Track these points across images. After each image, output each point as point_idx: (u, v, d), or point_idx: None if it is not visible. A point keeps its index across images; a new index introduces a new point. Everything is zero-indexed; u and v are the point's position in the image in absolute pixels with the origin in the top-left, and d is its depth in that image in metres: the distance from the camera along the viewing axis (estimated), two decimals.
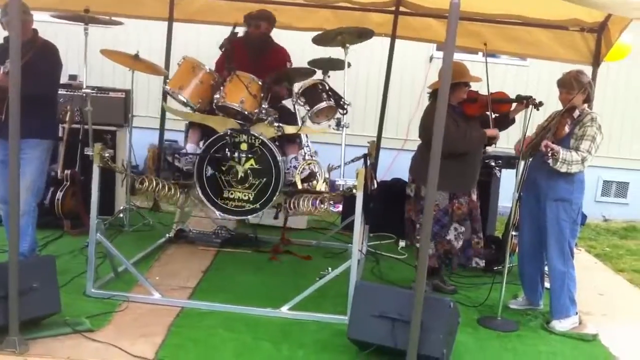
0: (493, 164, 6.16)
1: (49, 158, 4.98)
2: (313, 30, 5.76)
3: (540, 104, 4.58)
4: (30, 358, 3.55)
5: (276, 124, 4.70)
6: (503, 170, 6.22)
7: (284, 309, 4.38)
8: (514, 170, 4.65)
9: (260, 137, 4.69)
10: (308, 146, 4.87)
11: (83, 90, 5.68)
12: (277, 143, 4.85)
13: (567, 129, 4.43)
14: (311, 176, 4.80)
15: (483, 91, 4.89)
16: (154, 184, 4.87)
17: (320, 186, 4.75)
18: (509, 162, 6.11)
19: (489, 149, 5.51)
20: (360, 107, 7.83)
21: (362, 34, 4.85)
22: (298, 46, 5.60)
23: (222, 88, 4.70)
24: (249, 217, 5.05)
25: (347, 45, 4.77)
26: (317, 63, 4.89)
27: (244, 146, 4.71)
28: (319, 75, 4.88)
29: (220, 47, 4.90)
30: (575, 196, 4.48)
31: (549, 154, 4.29)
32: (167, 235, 5.98)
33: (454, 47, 3.29)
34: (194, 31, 7.49)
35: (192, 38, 7.64)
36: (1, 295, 3.57)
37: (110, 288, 4.61)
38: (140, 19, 6.82)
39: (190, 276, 5.05)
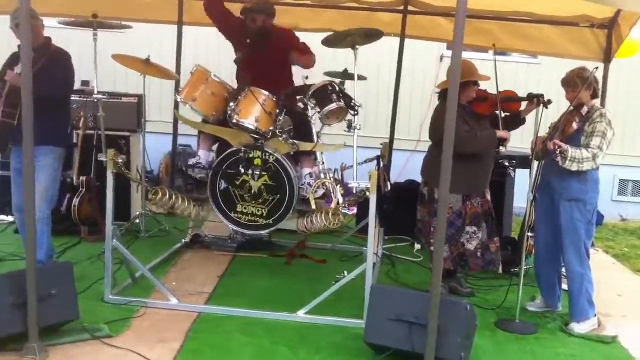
0: (507, 164, 6.13)
1: (62, 165, 4.98)
2: (321, 31, 5.76)
3: (549, 102, 4.57)
4: None
5: (291, 141, 4.65)
6: (517, 170, 6.19)
7: (301, 313, 4.39)
8: (528, 170, 4.64)
9: (275, 154, 4.66)
10: (323, 162, 4.84)
11: (95, 96, 5.68)
12: (292, 152, 4.80)
13: (575, 126, 4.41)
14: (325, 196, 4.74)
15: (493, 91, 4.88)
16: (167, 196, 4.81)
17: (334, 204, 4.63)
18: (523, 162, 6.09)
19: (502, 149, 5.49)
20: (372, 108, 7.82)
21: (372, 35, 4.83)
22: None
23: (236, 103, 4.63)
24: (262, 232, 4.96)
25: (357, 46, 4.74)
26: (332, 75, 4.92)
27: (257, 162, 4.67)
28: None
29: (235, 62, 4.95)
30: (589, 196, 4.44)
31: (558, 153, 4.27)
32: (183, 240, 6.00)
33: (462, 45, 3.28)
34: (203, 34, 7.50)
35: (202, 40, 7.66)
36: (20, 303, 3.60)
37: (128, 294, 4.64)
38: (149, 23, 6.83)
39: (207, 281, 5.07)
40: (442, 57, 8.33)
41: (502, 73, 4.79)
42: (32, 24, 4.03)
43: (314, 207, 4.56)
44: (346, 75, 5.00)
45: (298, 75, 5.27)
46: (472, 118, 4.80)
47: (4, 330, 3.58)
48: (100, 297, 4.50)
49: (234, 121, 4.61)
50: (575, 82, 4.44)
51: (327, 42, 4.90)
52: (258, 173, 4.67)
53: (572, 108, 4.45)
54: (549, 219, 4.61)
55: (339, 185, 4.62)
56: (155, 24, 6.89)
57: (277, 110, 4.67)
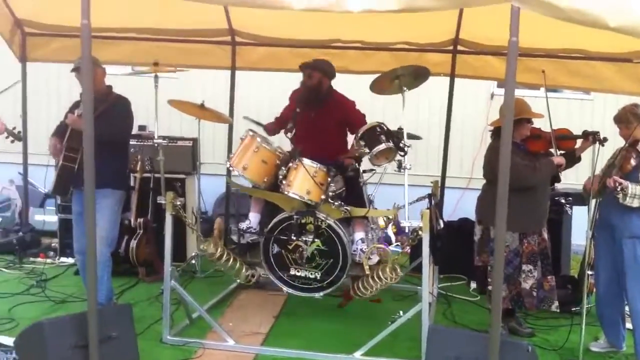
0: (563, 201, 6.03)
1: (121, 208, 5.06)
2: (370, 73, 5.74)
3: (605, 139, 4.54)
4: None
5: (344, 208, 4.67)
6: (574, 208, 6.08)
7: (357, 354, 4.36)
8: (585, 207, 4.56)
9: (327, 219, 4.68)
10: (376, 224, 4.82)
11: (155, 141, 5.84)
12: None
13: (633, 162, 4.35)
14: (380, 263, 4.71)
15: (547, 129, 4.83)
16: (218, 254, 4.77)
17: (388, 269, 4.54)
18: (579, 199, 5.96)
19: (558, 185, 5.41)
20: (422, 147, 7.78)
21: (419, 75, 4.85)
22: (354, 90, 5.48)
23: (287, 170, 4.65)
24: (315, 295, 4.87)
25: (405, 88, 4.75)
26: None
27: (310, 227, 4.69)
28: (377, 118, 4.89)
29: (286, 133, 5.02)
30: None
31: (618, 189, 4.21)
32: (238, 280, 6.03)
33: (514, 85, 3.26)
34: (256, 79, 7.68)
35: (254, 86, 7.84)
36: (82, 345, 3.65)
37: (186, 334, 4.69)
38: (205, 68, 6.99)
39: (262, 321, 5.09)
40: (492, 95, 8.30)
41: (554, 110, 4.74)
42: (93, 70, 4.16)
43: (367, 272, 4.54)
44: (401, 135, 4.80)
45: None
46: (526, 156, 4.75)
47: None
48: (158, 338, 4.57)
49: (285, 192, 4.63)
50: (629, 119, 4.41)
51: (375, 89, 4.92)
52: (310, 239, 4.70)
53: (627, 145, 4.39)
54: (610, 256, 4.51)
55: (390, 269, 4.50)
56: (208, 69, 7.07)
57: (329, 179, 4.70)
